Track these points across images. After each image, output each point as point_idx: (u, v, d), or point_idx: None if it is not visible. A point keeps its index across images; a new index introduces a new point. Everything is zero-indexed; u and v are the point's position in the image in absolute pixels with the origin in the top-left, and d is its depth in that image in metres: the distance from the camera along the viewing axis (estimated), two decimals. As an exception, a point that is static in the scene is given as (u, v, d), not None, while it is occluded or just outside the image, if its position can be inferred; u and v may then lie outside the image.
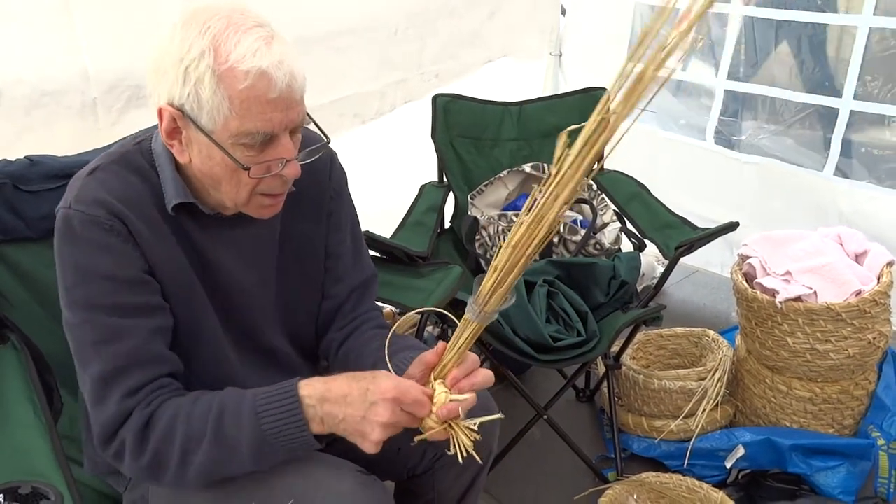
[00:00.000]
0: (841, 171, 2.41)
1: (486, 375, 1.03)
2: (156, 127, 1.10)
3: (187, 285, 1.13)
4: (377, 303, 1.39)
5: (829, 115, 2.40)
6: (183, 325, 1.13)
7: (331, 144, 1.16)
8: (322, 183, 1.25)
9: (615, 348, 2.04)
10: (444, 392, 0.99)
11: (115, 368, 1.03)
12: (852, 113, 2.33)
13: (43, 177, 1.28)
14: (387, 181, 2.40)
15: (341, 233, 1.30)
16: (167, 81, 0.98)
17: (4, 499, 1.08)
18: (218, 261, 1.16)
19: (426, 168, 2.31)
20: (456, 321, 1.76)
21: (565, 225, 2.09)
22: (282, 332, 1.28)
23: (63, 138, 1.69)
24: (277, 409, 0.98)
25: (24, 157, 1.29)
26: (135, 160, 1.09)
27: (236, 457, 1.00)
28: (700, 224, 1.94)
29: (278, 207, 1.12)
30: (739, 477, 1.95)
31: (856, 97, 2.31)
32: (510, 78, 2.96)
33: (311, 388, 1.00)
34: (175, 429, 1.00)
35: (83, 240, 1.03)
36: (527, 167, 2.24)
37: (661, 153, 2.88)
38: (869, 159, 2.37)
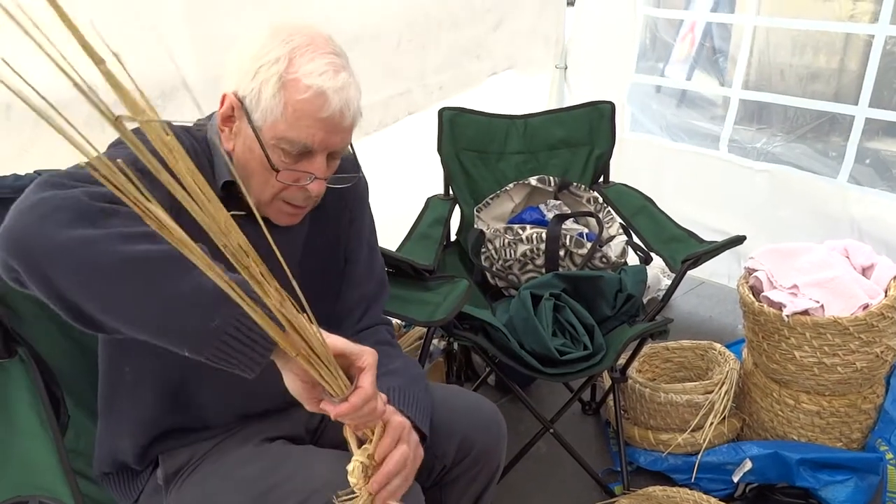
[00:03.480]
0: (854, 179, 2.43)
1: (396, 460, 0.95)
2: (206, 120, 1.18)
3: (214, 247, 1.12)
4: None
5: (844, 123, 2.42)
6: None
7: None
8: (348, 189, 1.27)
9: (621, 361, 2.04)
10: (359, 462, 0.93)
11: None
12: (867, 120, 2.35)
13: (52, 191, 1.29)
14: (390, 193, 2.40)
15: (359, 239, 1.32)
16: (240, 73, 1.07)
17: (12, 513, 1.08)
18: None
19: (430, 180, 2.31)
20: (463, 336, 1.77)
21: (571, 238, 2.09)
22: None
23: (69, 152, 1.69)
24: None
25: (34, 172, 1.29)
26: (187, 140, 1.12)
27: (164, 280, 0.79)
28: (709, 235, 1.94)
29: (297, 219, 1.17)
30: (747, 491, 1.94)
31: (871, 105, 2.33)
32: (514, 90, 2.97)
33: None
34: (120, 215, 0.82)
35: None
36: (533, 180, 2.24)
37: (671, 163, 2.89)
38: (882, 166, 2.39)
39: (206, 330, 0.78)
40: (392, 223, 1.94)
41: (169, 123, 1.08)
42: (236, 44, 1.10)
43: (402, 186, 2.47)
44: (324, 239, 1.27)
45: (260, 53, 1.05)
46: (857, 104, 2.36)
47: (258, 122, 1.06)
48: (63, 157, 1.53)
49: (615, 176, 2.31)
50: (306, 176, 1.09)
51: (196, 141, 1.14)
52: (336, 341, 0.88)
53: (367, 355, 0.90)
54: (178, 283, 0.78)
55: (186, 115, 1.87)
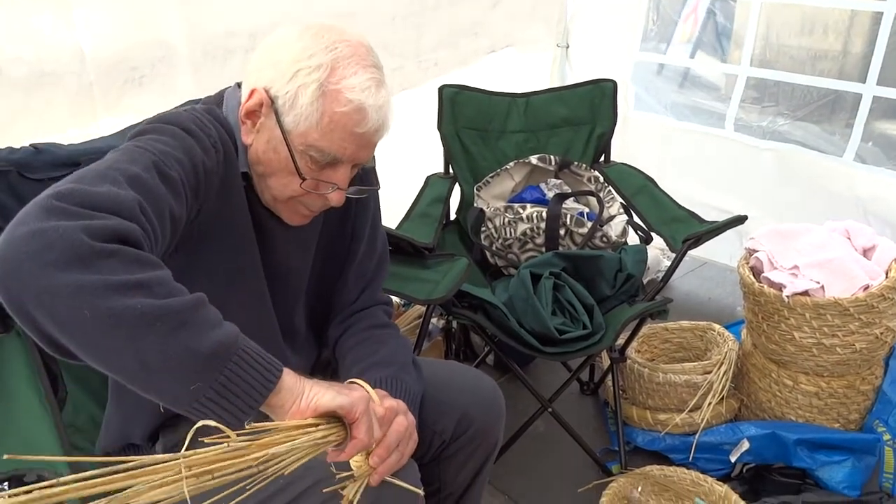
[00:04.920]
0: (860, 158, 2.42)
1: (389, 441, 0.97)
2: (212, 103, 1.14)
3: (245, 239, 1.12)
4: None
5: (851, 101, 2.41)
6: (227, 272, 1.11)
7: None
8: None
9: (620, 341, 2.04)
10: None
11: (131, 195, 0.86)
12: (875, 99, 2.34)
13: (48, 165, 1.27)
14: (386, 171, 2.39)
15: (365, 216, 1.32)
16: (274, 71, 1.05)
17: (10, 486, 1.08)
18: (272, 234, 1.17)
19: (427, 158, 2.29)
20: (462, 314, 1.76)
21: (572, 217, 2.08)
22: (304, 313, 1.30)
23: (60, 120, 1.69)
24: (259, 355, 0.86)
25: (30, 145, 1.28)
26: (214, 129, 1.09)
27: (175, 331, 0.78)
28: (714, 214, 1.93)
29: (308, 220, 1.17)
30: (744, 471, 1.95)
31: (879, 83, 2.31)
32: (513, 69, 2.94)
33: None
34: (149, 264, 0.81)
35: (183, 121, 1.02)
36: (533, 159, 2.22)
37: (675, 142, 2.87)
38: (888, 145, 2.38)
39: (185, 392, 0.78)
40: (389, 201, 1.96)
41: (197, 115, 1.06)
42: (269, 37, 1.08)
43: (397, 164, 2.46)
44: (334, 219, 1.27)
45: (300, 56, 1.03)
46: (864, 82, 2.34)
47: (289, 125, 1.05)
48: (55, 125, 1.52)
49: (620, 155, 2.29)
50: (329, 186, 1.09)
51: (220, 124, 1.09)
52: (323, 400, 0.87)
53: (357, 405, 0.90)
54: (164, 344, 0.76)
55: (176, 82, 1.85)
